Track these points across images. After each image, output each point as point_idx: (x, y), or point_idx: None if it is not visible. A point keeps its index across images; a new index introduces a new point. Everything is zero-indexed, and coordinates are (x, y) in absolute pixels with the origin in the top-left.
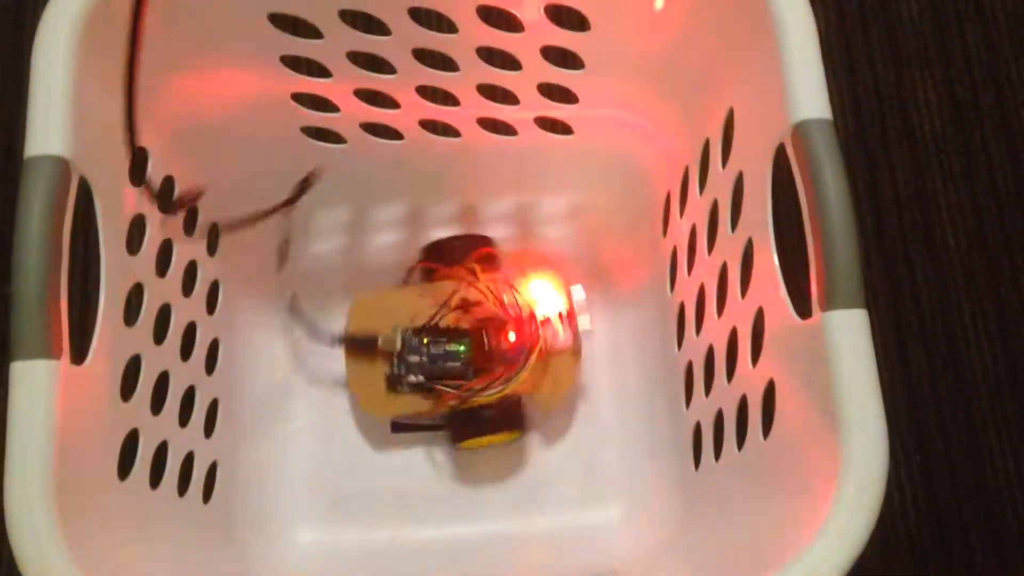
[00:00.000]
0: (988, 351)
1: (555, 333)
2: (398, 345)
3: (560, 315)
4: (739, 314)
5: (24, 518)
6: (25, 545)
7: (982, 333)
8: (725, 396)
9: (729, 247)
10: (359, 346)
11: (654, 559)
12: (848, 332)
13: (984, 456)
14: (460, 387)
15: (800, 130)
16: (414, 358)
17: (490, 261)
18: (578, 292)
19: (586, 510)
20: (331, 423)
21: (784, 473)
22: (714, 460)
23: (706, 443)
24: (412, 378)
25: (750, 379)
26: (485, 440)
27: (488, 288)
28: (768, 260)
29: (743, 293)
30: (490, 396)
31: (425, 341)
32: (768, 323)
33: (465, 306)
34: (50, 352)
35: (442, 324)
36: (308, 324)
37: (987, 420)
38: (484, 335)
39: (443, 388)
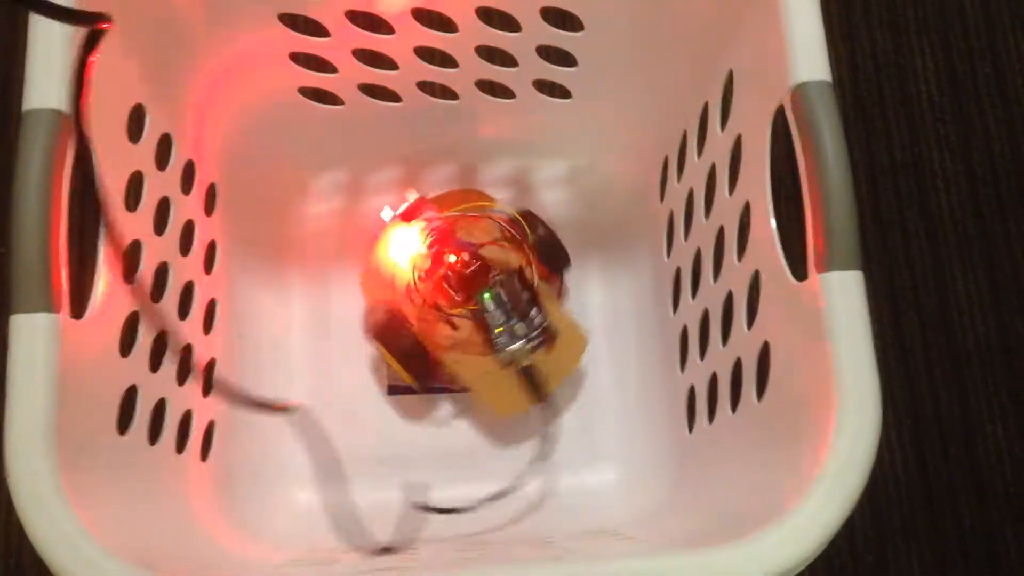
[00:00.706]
0: (980, 319)
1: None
2: (519, 344)
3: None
4: (735, 278)
5: (25, 469)
6: (25, 495)
7: (975, 301)
8: (720, 359)
9: (726, 211)
10: (536, 383)
11: (649, 519)
12: (845, 293)
13: (974, 421)
14: (522, 272)
15: (799, 92)
16: (519, 328)
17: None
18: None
19: (583, 473)
20: (328, 386)
21: (777, 433)
22: (707, 423)
23: (700, 406)
24: (539, 319)
25: (745, 342)
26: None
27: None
28: (765, 223)
29: (739, 256)
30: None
31: (500, 329)
32: (764, 286)
33: (444, 307)
34: (50, 305)
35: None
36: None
37: (978, 386)
38: (465, 282)
39: (532, 288)
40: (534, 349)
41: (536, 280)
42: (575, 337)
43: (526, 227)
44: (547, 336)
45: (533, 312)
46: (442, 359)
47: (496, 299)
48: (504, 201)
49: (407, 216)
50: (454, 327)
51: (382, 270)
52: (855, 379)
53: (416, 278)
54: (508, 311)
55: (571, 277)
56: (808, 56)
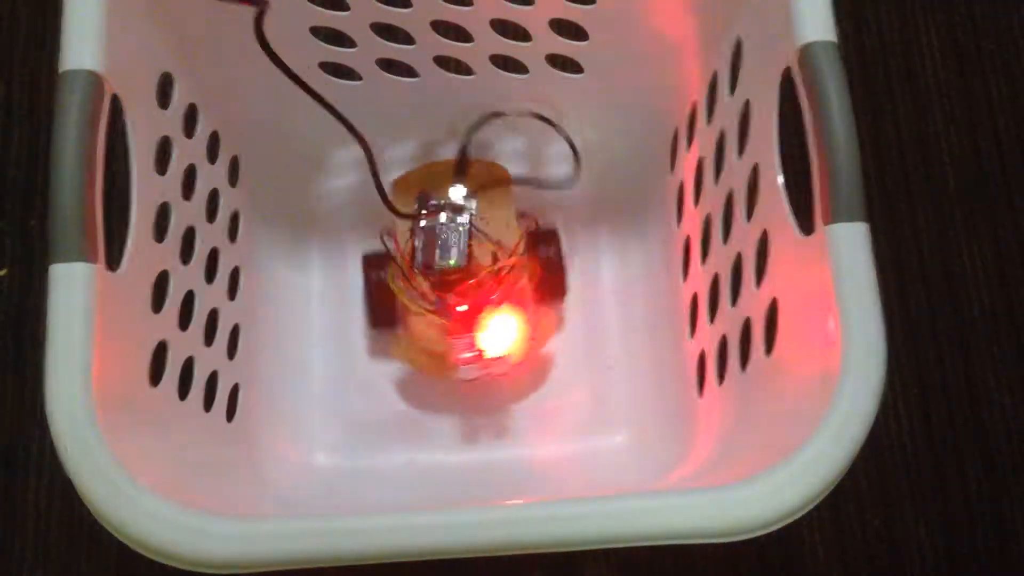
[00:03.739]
0: (986, 289)
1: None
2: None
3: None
4: (744, 238)
5: (65, 411)
6: (67, 437)
7: (980, 272)
8: (730, 320)
9: (736, 174)
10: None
11: (661, 480)
12: (850, 243)
13: (980, 390)
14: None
15: (805, 52)
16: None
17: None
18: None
19: (593, 437)
20: (347, 355)
21: (786, 384)
22: (717, 384)
23: (710, 369)
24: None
25: (754, 300)
26: None
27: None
28: (774, 182)
29: (748, 217)
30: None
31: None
32: (772, 243)
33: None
34: (87, 255)
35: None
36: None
37: (983, 355)
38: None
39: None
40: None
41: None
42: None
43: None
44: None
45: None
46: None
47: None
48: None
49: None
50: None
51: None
52: (860, 325)
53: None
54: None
55: (583, 248)
56: (813, 17)
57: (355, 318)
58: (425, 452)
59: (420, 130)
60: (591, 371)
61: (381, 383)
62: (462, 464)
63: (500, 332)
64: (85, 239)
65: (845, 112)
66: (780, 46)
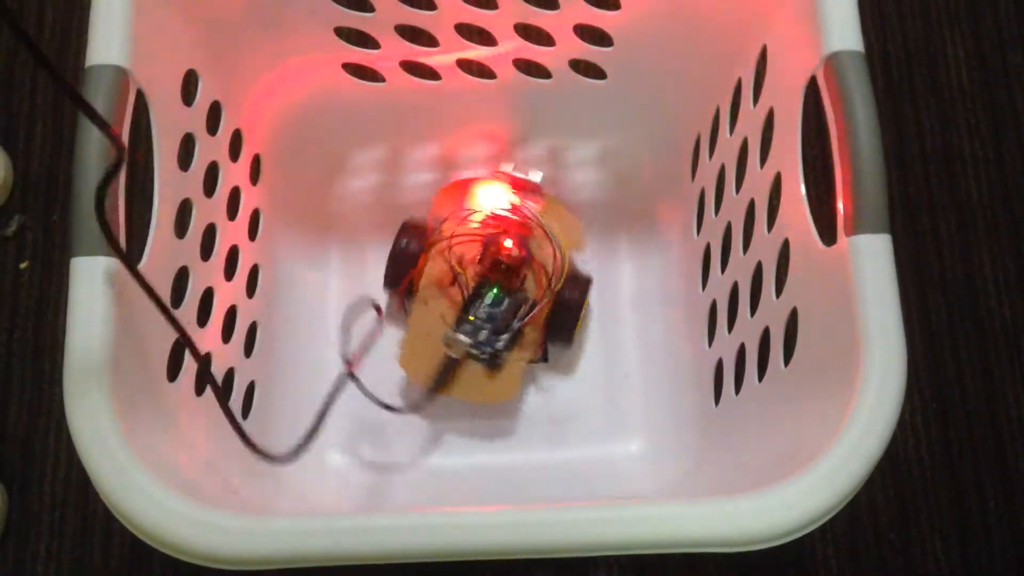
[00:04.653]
0: (1008, 303)
1: (528, 207)
2: (467, 341)
3: (516, 191)
4: (765, 248)
5: (82, 402)
6: (84, 431)
7: (1002, 286)
8: (748, 330)
9: (757, 183)
10: (444, 379)
11: (673, 489)
12: (873, 255)
13: (1000, 406)
14: (532, 307)
15: (832, 61)
16: (482, 335)
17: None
18: (507, 168)
19: (608, 444)
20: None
21: (803, 397)
22: (734, 394)
23: (727, 378)
24: (499, 344)
25: (773, 311)
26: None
27: (455, 230)
28: (796, 191)
29: (769, 227)
30: (558, 285)
31: (472, 318)
32: (793, 253)
33: (461, 263)
34: (108, 249)
35: (466, 293)
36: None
37: (1004, 371)
38: (496, 264)
39: (523, 324)
40: (471, 356)
41: (528, 318)
42: (504, 386)
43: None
44: (491, 361)
45: (503, 339)
46: (417, 285)
47: (496, 300)
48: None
49: (515, 184)
50: (449, 281)
51: (461, 196)
52: (882, 337)
53: (468, 223)
54: (491, 316)
55: (601, 256)
56: (840, 27)
57: (372, 319)
58: (438, 454)
59: (442, 133)
60: (607, 378)
61: (396, 384)
62: (474, 467)
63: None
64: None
65: (871, 123)
66: (806, 54)
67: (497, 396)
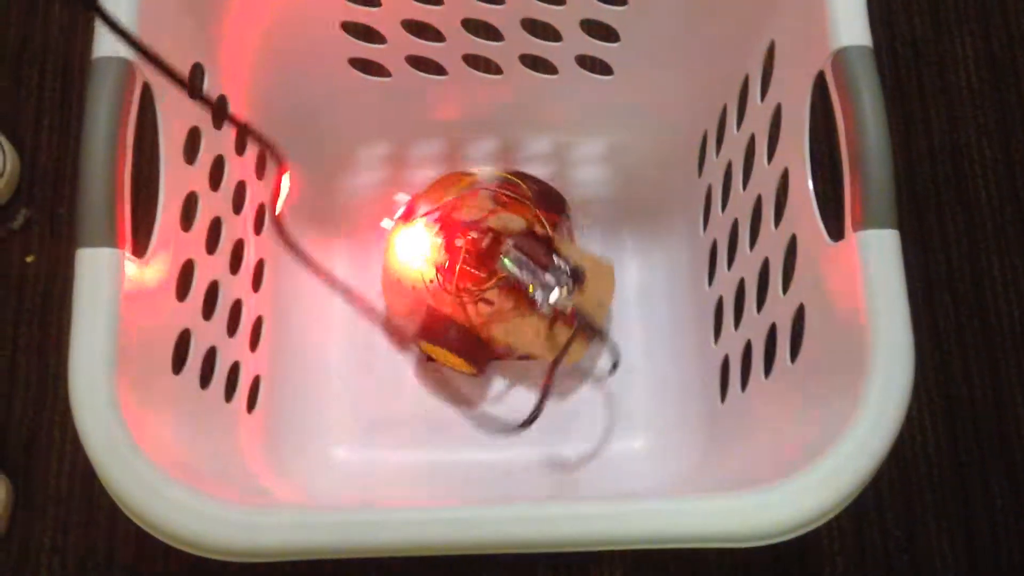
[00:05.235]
0: (1016, 302)
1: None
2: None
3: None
4: (772, 244)
5: (87, 393)
6: (90, 423)
7: (1010, 285)
8: (754, 327)
9: (764, 179)
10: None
11: (679, 485)
12: (880, 250)
13: (1007, 404)
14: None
15: (840, 56)
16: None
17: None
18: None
19: (613, 440)
20: (369, 349)
21: (810, 392)
22: (740, 391)
23: (733, 376)
24: (549, 279)
25: (780, 306)
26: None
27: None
28: (803, 187)
29: (776, 223)
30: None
31: (532, 288)
32: (800, 249)
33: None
34: (114, 241)
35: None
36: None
37: (1011, 369)
38: (479, 256)
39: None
40: (570, 292)
41: (548, 230)
42: (602, 269)
43: (521, 184)
44: (576, 276)
45: (555, 259)
46: (493, 335)
47: (517, 261)
48: (488, 169)
49: (406, 217)
50: (489, 302)
51: (401, 278)
52: (889, 333)
53: (438, 271)
54: (532, 268)
55: (607, 251)
56: (849, 22)
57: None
58: (442, 449)
59: (447, 127)
60: (612, 375)
61: (401, 379)
62: (479, 462)
63: None
64: (113, 225)
65: (879, 118)
66: (814, 50)
67: (611, 280)
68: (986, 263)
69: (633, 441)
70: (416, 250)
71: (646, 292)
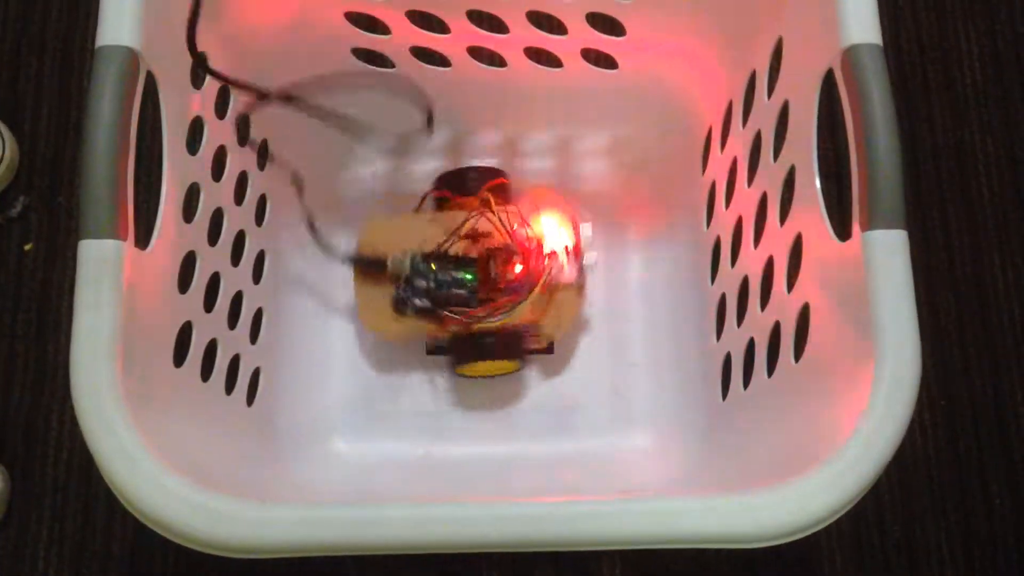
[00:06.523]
0: (1017, 301)
1: (560, 267)
2: (406, 269)
3: (567, 249)
4: (776, 242)
5: (89, 385)
6: (90, 415)
7: (1012, 283)
8: (757, 325)
9: (770, 177)
10: (367, 265)
11: (681, 482)
12: (888, 251)
13: (1007, 404)
14: (464, 313)
15: (850, 54)
16: (421, 283)
17: (503, 193)
18: (586, 230)
19: (614, 436)
20: (369, 342)
21: (814, 392)
22: (743, 388)
23: (735, 373)
24: (418, 302)
25: (785, 305)
26: (482, 367)
27: (499, 219)
28: (810, 185)
29: (782, 221)
30: (491, 324)
31: (433, 267)
32: (806, 248)
33: (475, 236)
34: (117, 233)
35: (452, 252)
36: (323, 242)
37: (1012, 368)
38: (491, 265)
39: (448, 314)
40: (392, 280)
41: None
42: (392, 326)
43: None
44: (400, 302)
45: (424, 303)
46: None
47: (457, 282)
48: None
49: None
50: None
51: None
52: (896, 336)
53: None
54: (440, 284)
55: (609, 246)
56: (859, 19)
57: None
58: (443, 444)
59: (451, 119)
60: (614, 369)
61: (402, 374)
62: (481, 456)
63: None
64: (116, 216)
65: (889, 117)
66: (823, 47)
67: (370, 323)
68: (988, 261)
69: (635, 436)
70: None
71: (648, 287)
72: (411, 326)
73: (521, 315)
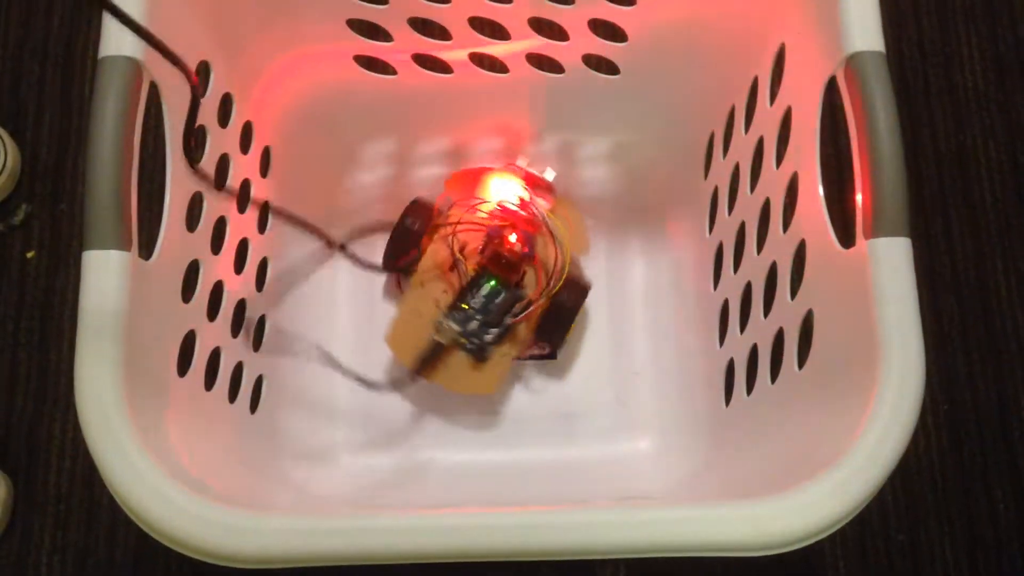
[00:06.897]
0: (1019, 306)
1: (535, 202)
2: (456, 329)
3: (528, 188)
4: (780, 249)
5: (93, 396)
6: (95, 424)
7: (1015, 288)
8: (761, 331)
9: (773, 183)
10: (428, 362)
11: (683, 487)
12: (892, 259)
13: (1010, 408)
14: (528, 307)
15: (853, 62)
16: (472, 325)
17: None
18: (521, 162)
19: (617, 442)
20: (372, 349)
21: (818, 399)
22: (746, 395)
23: (738, 379)
24: (488, 337)
25: (788, 312)
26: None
27: (461, 217)
28: (813, 192)
29: (785, 227)
30: (556, 287)
31: (465, 307)
32: (810, 255)
33: (461, 257)
34: (121, 243)
35: (463, 282)
36: (365, 263)
37: (1015, 373)
38: (497, 257)
39: (515, 320)
40: (458, 344)
41: (521, 316)
42: (486, 379)
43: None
44: (478, 352)
45: (492, 332)
46: (417, 269)
47: (492, 293)
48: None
49: (527, 180)
50: (449, 266)
51: (473, 184)
52: (901, 343)
53: (475, 212)
54: (485, 308)
55: (612, 252)
56: (862, 26)
57: (381, 314)
58: (447, 452)
59: (452, 127)
60: (616, 375)
61: (404, 380)
62: (484, 463)
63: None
64: (120, 227)
65: (892, 125)
66: (826, 54)
67: (477, 388)
68: (991, 265)
69: (638, 442)
70: (500, 192)
71: (651, 293)
72: (503, 357)
73: (548, 260)
